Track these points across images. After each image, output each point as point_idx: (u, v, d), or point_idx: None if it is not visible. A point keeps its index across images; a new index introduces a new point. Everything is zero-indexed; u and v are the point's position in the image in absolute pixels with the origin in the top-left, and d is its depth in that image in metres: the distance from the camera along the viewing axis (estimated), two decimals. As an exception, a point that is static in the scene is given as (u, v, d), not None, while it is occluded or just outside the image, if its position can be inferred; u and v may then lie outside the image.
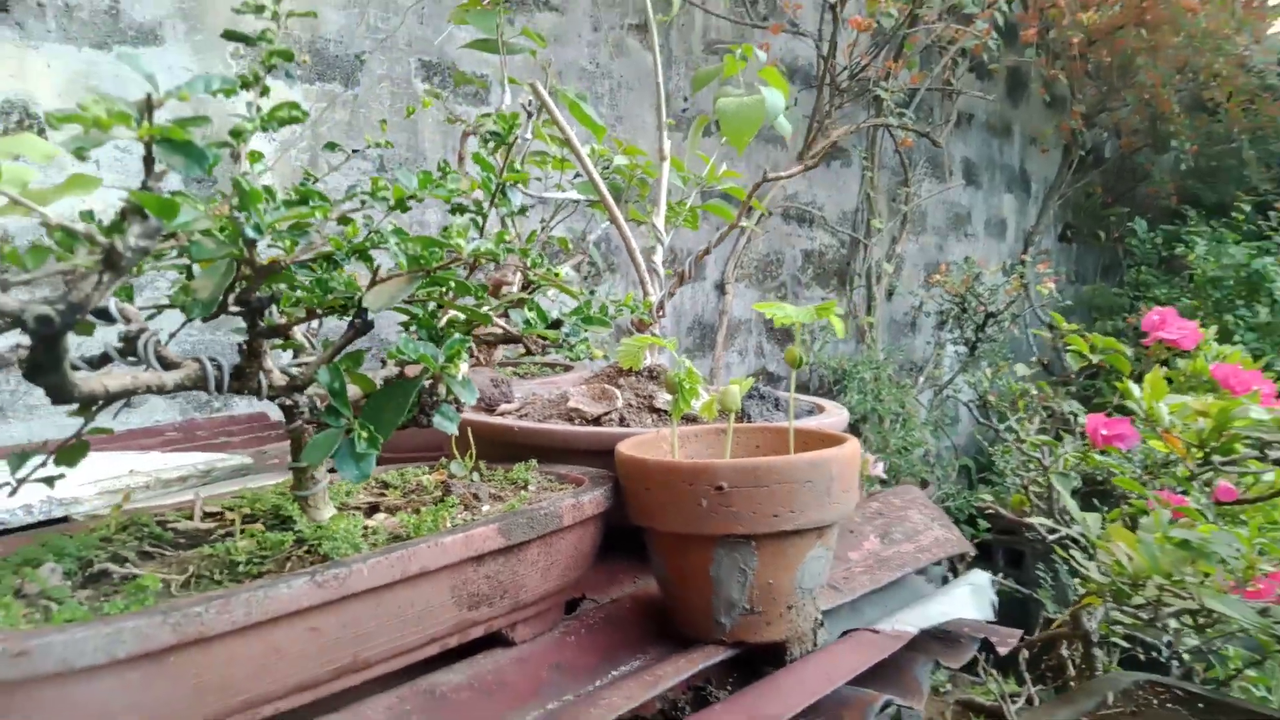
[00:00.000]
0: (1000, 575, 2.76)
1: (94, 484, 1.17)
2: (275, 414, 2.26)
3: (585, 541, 0.73)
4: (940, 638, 1.02)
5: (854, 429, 3.41)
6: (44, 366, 0.48)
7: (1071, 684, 1.75)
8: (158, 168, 0.49)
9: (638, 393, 0.97)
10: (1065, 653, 1.90)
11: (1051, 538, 1.61)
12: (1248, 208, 4.33)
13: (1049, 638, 1.78)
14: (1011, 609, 2.93)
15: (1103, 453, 1.55)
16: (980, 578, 1.00)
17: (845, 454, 0.71)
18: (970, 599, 0.94)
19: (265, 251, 0.57)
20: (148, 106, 0.46)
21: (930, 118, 4.38)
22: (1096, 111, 4.84)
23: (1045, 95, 4.80)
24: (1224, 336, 3.68)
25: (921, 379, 3.68)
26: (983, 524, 3.54)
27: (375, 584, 0.57)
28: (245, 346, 0.59)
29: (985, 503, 1.72)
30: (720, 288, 3.66)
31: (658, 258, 1.04)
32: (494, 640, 0.70)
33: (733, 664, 0.82)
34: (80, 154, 0.43)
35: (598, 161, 1.42)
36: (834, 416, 0.93)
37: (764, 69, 1.28)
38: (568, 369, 1.45)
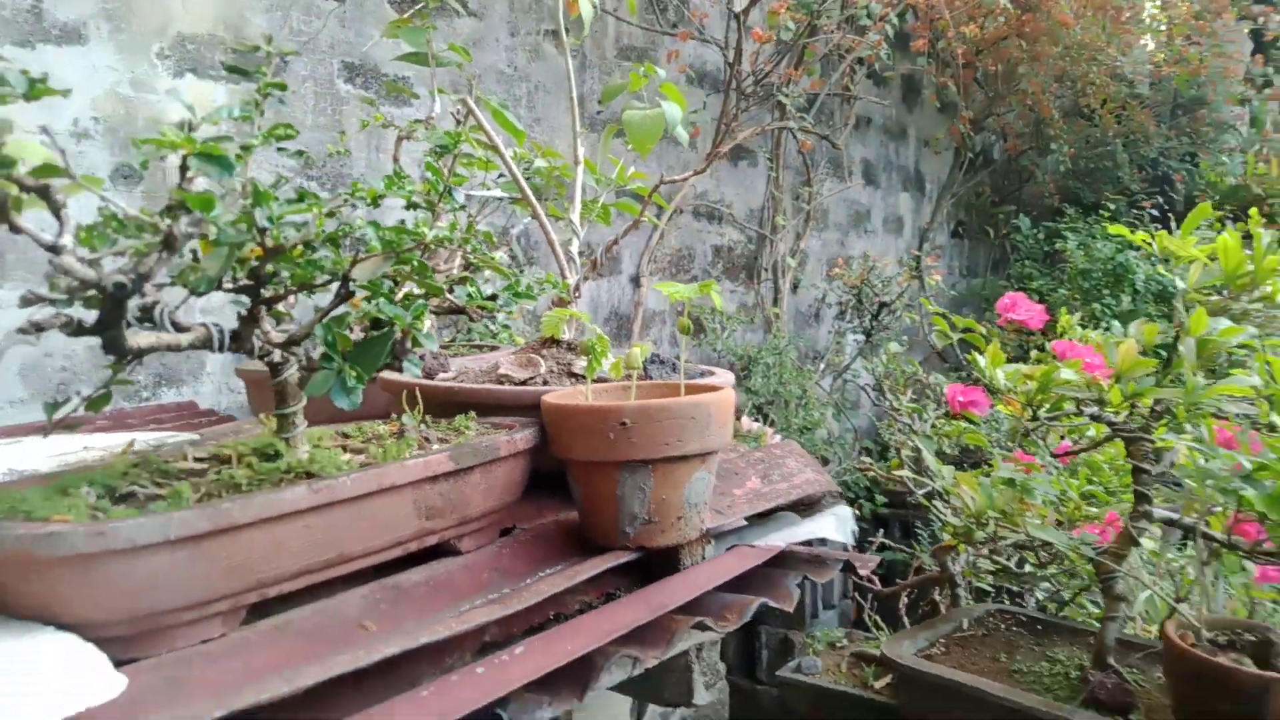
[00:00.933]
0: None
1: (54, 458, 1.29)
2: (204, 402, 2.36)
3: (517, 471, 0.92)
4: (810, 560, 1.25)
5: (760, 412, 3.68)
6: (109, 324, 0.64)
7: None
8: (190, 174, 0.66)
9: (559, 361, 1.16)
10: (937, 597, 2.18)
11: (920, 492, 1.87)
12: (1112, 206, 4.78)
13: (920, 582, 2.05)
14: (896, 570, 3.24)
15: (963, 419, 1.82)
16: (843, 511, 1.22)
17: (721, 397, 0.92)
18: (833, 525, 1.17)
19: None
20: (189, 128, 0.63)
21: (831, 121, 4.69)
22: (984, 116, 5.25)
23: (937, 101, 5.18)
24: (1093, 323, 4.09)
25: (823, 365, 3.97)
26: (880, 499, 3.85)
27: (355, 494, 0.75)
28: (247, 313, 0.76)
29: (865, 463, 1.97)
30: (635, 281, 3.87)
31: (574, 247, 1.24)
32: (445, 550, 0.89)
33: (638, 573, 1.02)
34: (144, 165, 0.60)
35: (519, 163, 1.60)
36: (720, 378, 1.14)
37: (664, 85, 1.49)
38: (494, 349, 1.63)
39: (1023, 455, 1.82)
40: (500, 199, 1.57)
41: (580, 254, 1.42)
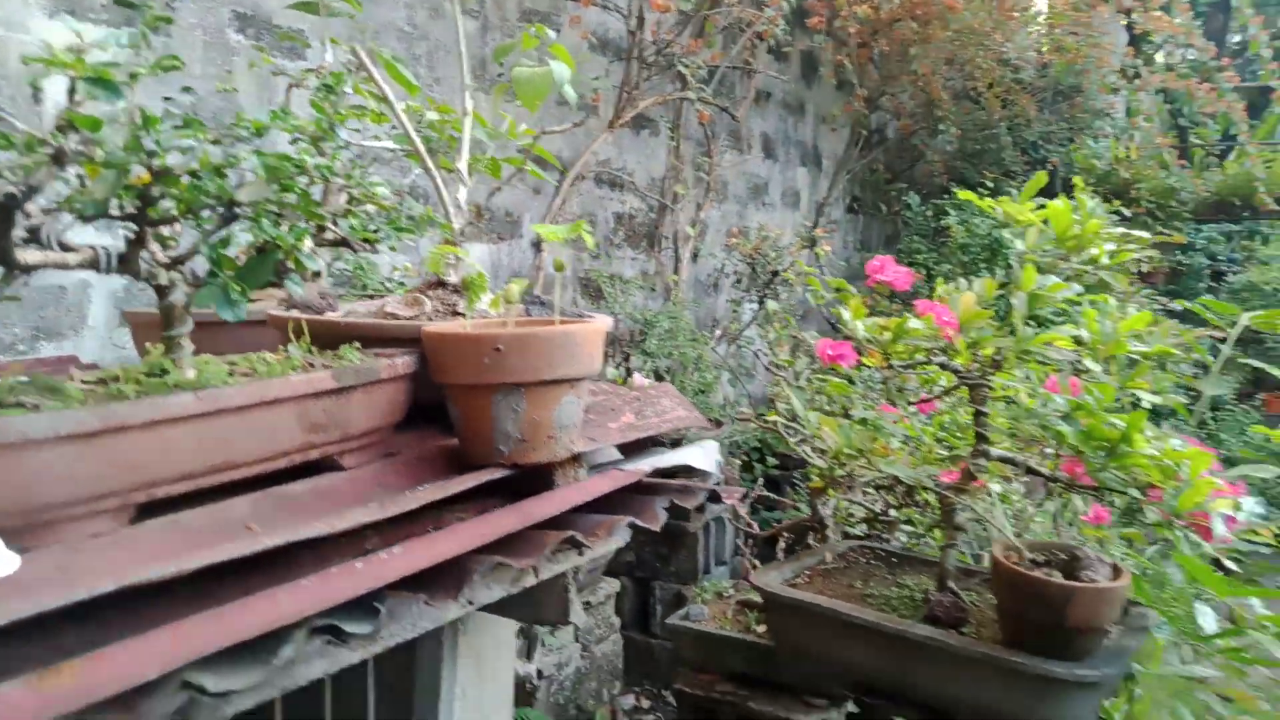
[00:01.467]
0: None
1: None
2: (87, 357, 2.32)
3: (398, 394, 1.00)
4: (679, 489, 1.37)
5: (658, 375, 3.82)
6: (-2, 234, 0.69)
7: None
8: (77, 97, 0.71)
9: (443, 302, 1.24)
10: (812, 542, 2.35)
11: (793, 440, 2.02)
12: (991, 185, 5.09)
13: (793, 526, 2.22)
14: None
15: (833, 371, 1.97)
16: (710, 444, 1.34)
17: (589, 328, 1.01)
18: (699, 454, 1.28)
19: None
20: (79, 53, 0.68)
21: (731, 94, 4.82)
22: (878, 95, 5.49)
23: (834, 79, 5.38)
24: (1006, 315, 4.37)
25: (719, 332, 4.13)
26: (770, 461, 4.05)
27: (241, 403, 0.82)
28: (134, 236, 0.81)
29: (744, 413, 2.11)
30: (536, 246, 3.93)
31: (461, 195, 1.31)
32: (329, 466, 0.96)
33: (514, 494, 1.11)
34: (37, 84, 0.65)
35: (412, 117, 1.65)
36: (596, 317, 1.24)
37: (554, 45, 1.56)
38: (385, 298, 1.68)
39: (887, 408, 1.99)
40: (392, 150, 1.62)
41: (472, 207, 1.49)
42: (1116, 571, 1.38)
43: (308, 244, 0.83)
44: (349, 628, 0.83)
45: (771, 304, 2.44)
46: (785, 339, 2.18)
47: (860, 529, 2.24)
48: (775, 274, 3.59)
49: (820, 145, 5.78)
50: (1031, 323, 1.52)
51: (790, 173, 5.51)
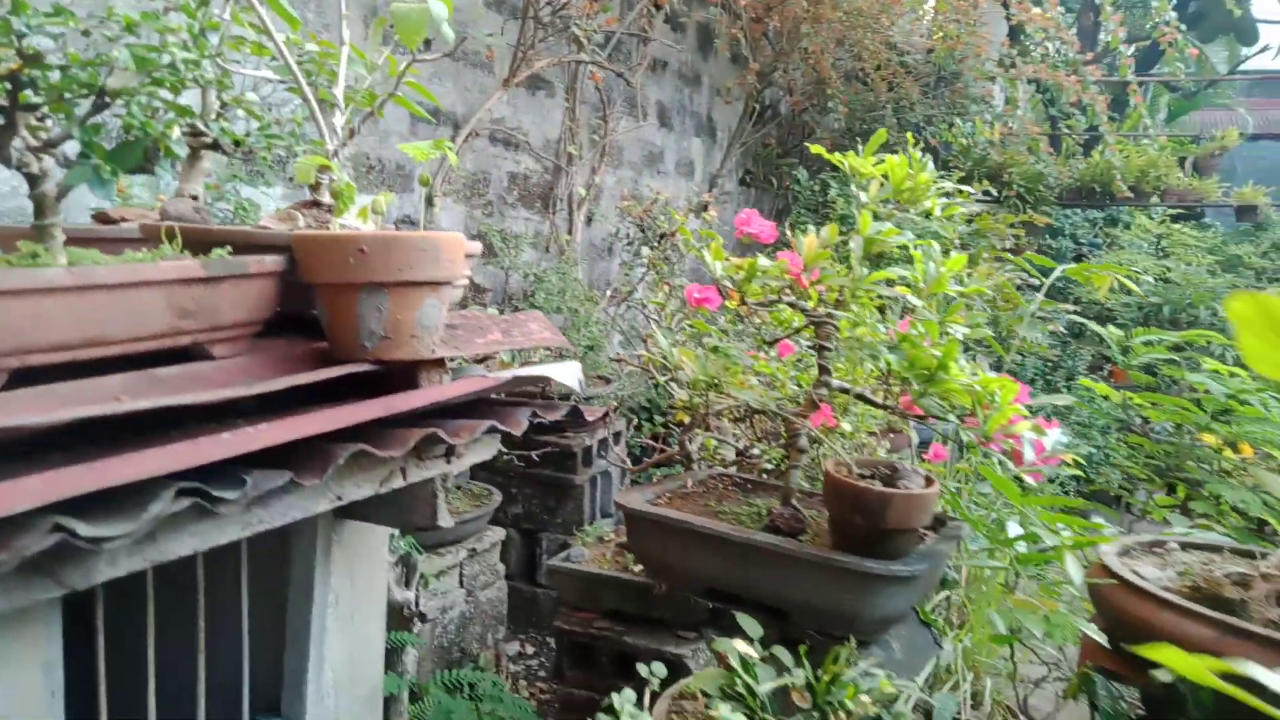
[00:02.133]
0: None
1: None
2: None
3: (267, 290, 1.07)
4: (543, 403, 1.48)
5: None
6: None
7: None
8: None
9: (317, 219, 1.31)
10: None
11: (663, 378, 2.17)
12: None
13: (663, 459, 2.37)
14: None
15: (699, 314, 2.12)
16: (573, 364, 1.46)
17: (450, 237, 1.11)
18: (562, 370, 1.40)
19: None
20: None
21: (627, 60, 4.92)
22: (771, 71, 5.68)
23: (729, 52, 5.54)
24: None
25: (609, 292, 4.25)
26: (659, 419, 4.22)
27: (112, 281, 0.89)
28: (5, 122, 0.87)
29: (620, 355, 2.24)
30: (429, 201, 3.95)
31: (336, 120, 1.38)
32: (199, 355, 1.03)
33: (380, 393, 1.20)
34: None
35: (292, 49, 1.70)
36: (468, 241, 1.34)
37: (432, -17, 1.63)
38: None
39: (750, 351, 2.16)
40: (270, 80, 1.66)
41: (361, 166, 1.56)
42: (929, 482, 1.58)
43: (176, 132, 0.90)
44: (216, 491, 0.91)
45: (645, 249, 2.57)
46: (661, 280, 2.32)
47: (732, 471, 2.41)
48: (663, 236, 3.73)
49: (715, 117, 5.95)
50: (868, 264, 1.70)
51: (685, 142, 5.66)
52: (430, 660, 3.01)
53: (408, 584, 2.18)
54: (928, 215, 1.78)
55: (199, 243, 1.19)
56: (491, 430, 1.29)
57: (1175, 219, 6.57)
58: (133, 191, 2.13)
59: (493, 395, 1.51)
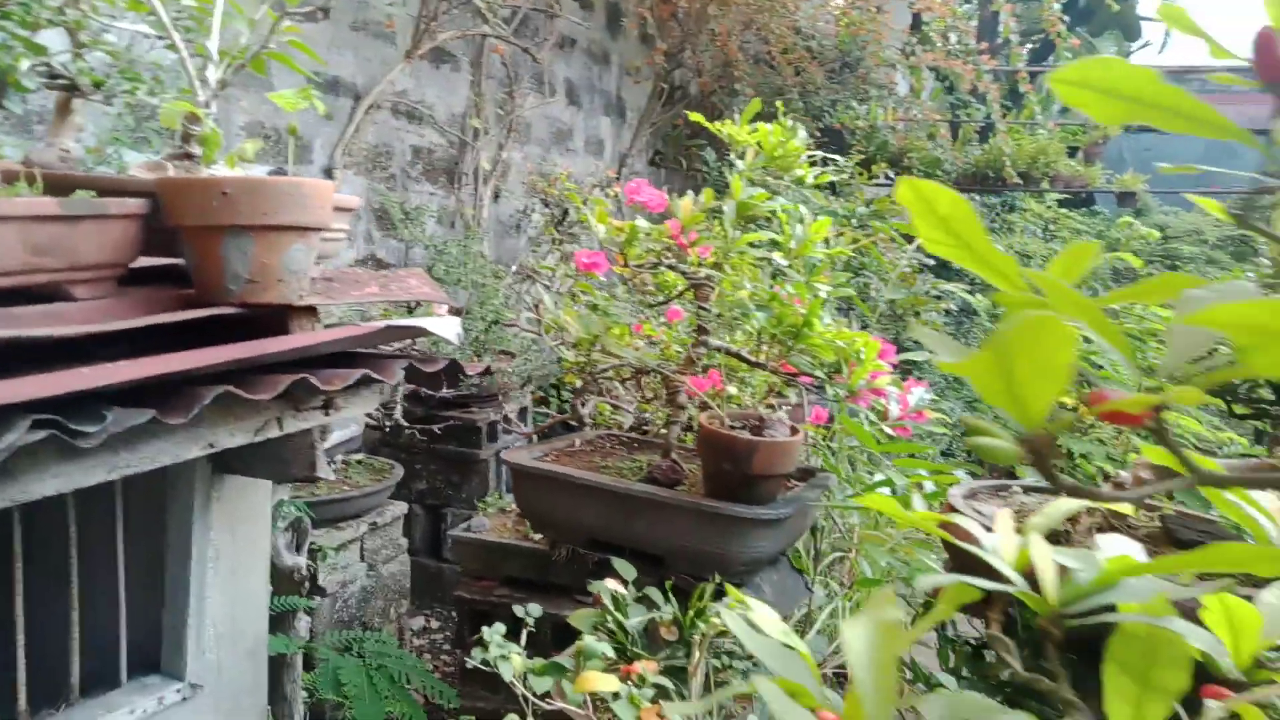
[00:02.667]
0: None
1: None
2: None
3: (130, 232, 1.09)
4: (422, 359, 1.53)
5: (455, 312, 3.94)
6: None
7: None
8: None
9: (187, 170, 1.32)
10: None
11: (553, 341, 2.23)
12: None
13: (556, 421, 2.44)
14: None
15: (587, 278, 2.19)
16: (451, 317, 1.51)
17: (318, 183, 1.15)
18: (438, 323, 1.45)
19: None
20: None
21: (536, 36, 4.94)
22: (679, 51, 5.77)
23: (637, 31, 5.61)
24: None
25: (514, 267, 4.28)
26: (565, 395, 4.28)
27: (-38, 215, 0.90)
28: None
29: (510, 319, 2.30)
30: (328, 173, 3.91)
31: (209, 72, 1.39)
32: (60, 296, 1.05)
33: (249, 336, 1.23)
34: None
35: (169, 5, 1.69)
36: (353, 198, 1.37)
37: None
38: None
39: (638, 328, 2.24)
40: (149, 36, 1.65)
41: (261, 135, 1.56)
42: (794, 431, 1.68)
43: (25, 64, 0.91)
44: (75, 424, 0.93)
45: (536, 215, 2.63)
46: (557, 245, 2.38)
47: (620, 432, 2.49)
48: (566, 212, 3.78)
49: (625, 96, 6.01)
50: (743, 227, 1.79)
51: (594, 121, 5.71)
52: (332, 635, 3.02)
53: (299, 549, 2.20)
54: (800, 182, 1.88)
55: (63, 188, 1.20)
56: (366, 379, 1.33)
57: (1065, 204, 6.93)
58: (4, 152, 2.07)
59: (373, 349, 1.55)
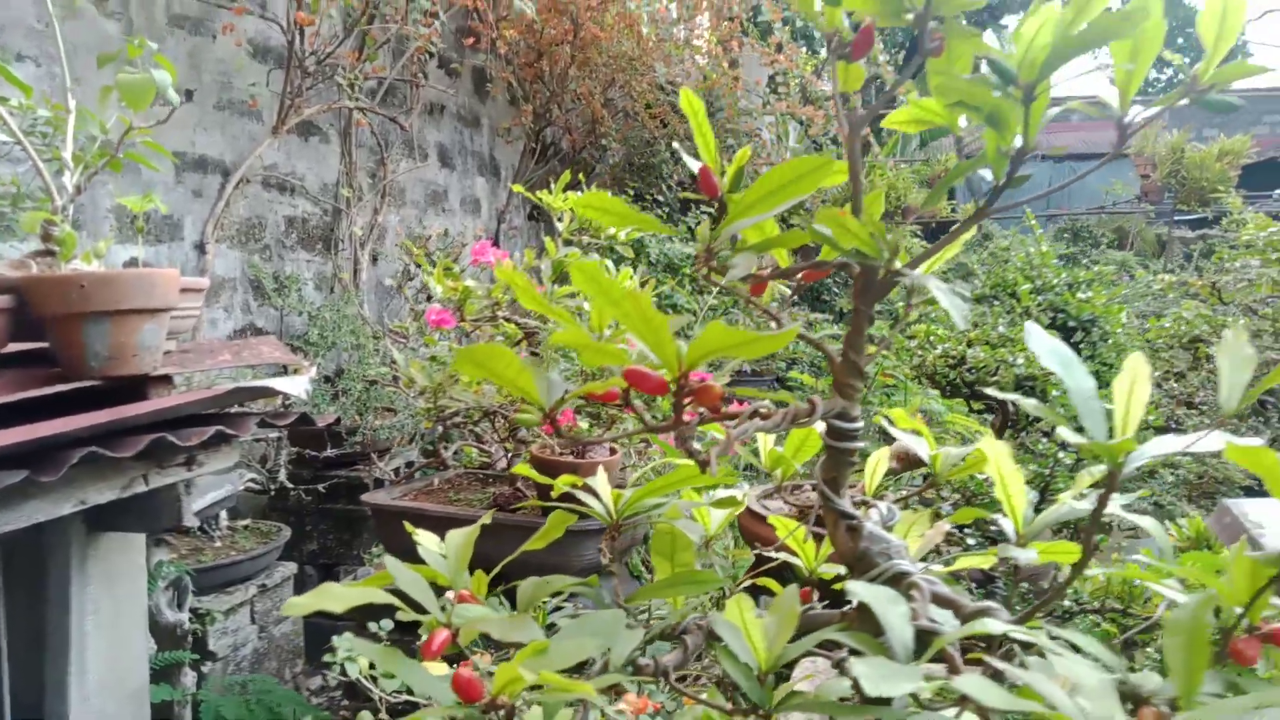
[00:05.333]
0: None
1: None
2: None
3: (0, 324, 1.31)
4: (277, 415, 1.76)
5: (326, 379, 4.14)
6: None
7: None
8: None
9: (49, 266, 1.54)
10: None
11: (412, 393, 2.48)
12: (660, 197, 5.94)
13: (421, 466, 2.67)
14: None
15: (436, 331, 2.46)
16: (301, 378, 1.75)
17: (164, 272, 1.39)
18: (287, 382, 1.69)
19: None
20: None
21: (403, 104, 5.22)
22: (546, 111, 6.14)
23: (505, 94, 5.95)
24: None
25: (391, 326, 4.50)
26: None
27: None
28: None
29: (371, 375, 2.54)
30: (200, 248, 4.08)
31: (66, 179, 1.62)
32: (-63, 380, 1.26)
33: (109, 400, 1.45)
34: None
35: (25, 114, 1.90)
36: (198, 281, 1.61)
37: (157, 55, 1.90)
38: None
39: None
40: (4, 142, 1.86)
41: (126, 216, 1.78)
42: (613, 452, 1.98)
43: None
44: (-44, 485, 1.15)
45: (390, 281, 2.87)
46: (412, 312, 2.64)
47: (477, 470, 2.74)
48: (447, 269, 4.04)
49: (498, 156, 6.33)
50: (559, 282, 2.09)
51: (469, 181, 6.00)
52: (218, 680, 3.13)
53: (180, 606, 2.36)
54: (613, 239, 2.20)
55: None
56: (220, 436, 1.56)
57: (920, 234, 7.55)
58: None
59: (234, 409, 1.78)
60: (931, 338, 2.43)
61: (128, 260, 3.36)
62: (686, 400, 0.60)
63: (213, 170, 4.13)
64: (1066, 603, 1.25)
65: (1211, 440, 0.56)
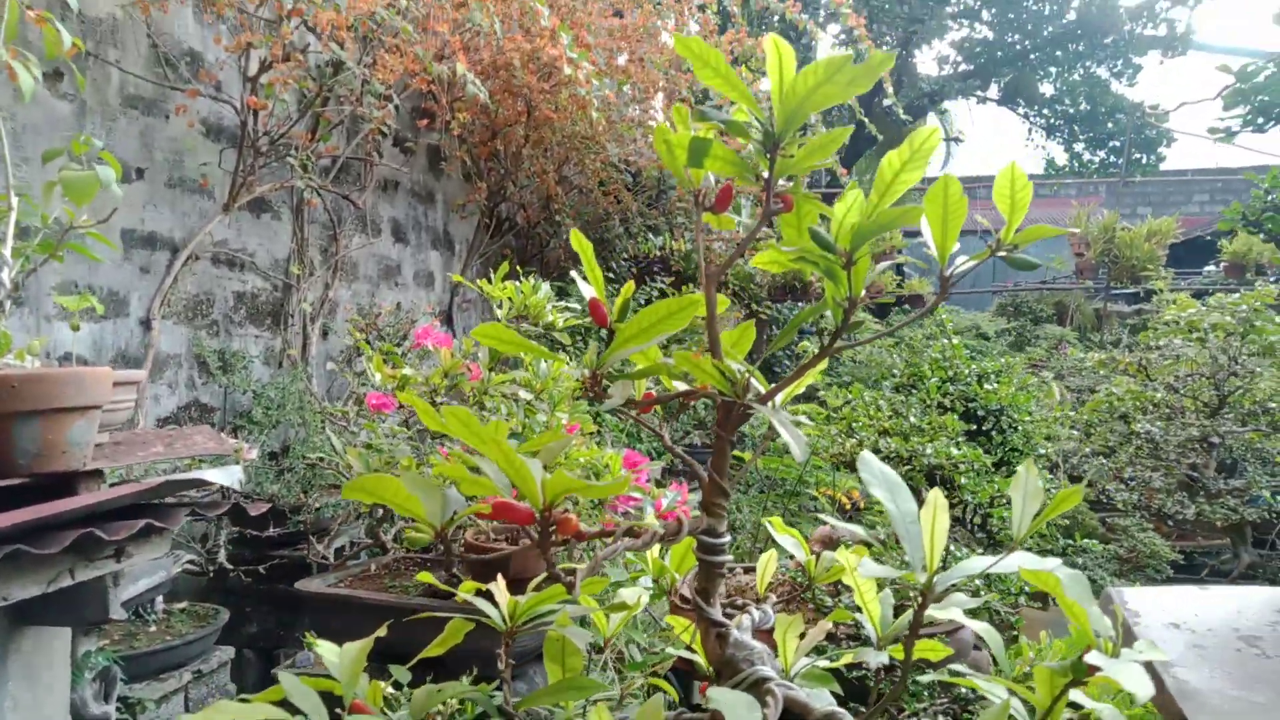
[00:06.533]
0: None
1: None
2: None
3: (-72, 423, 1.34)
4: (206, 505, 1.79)
5: (271, 455, 4.13)
6: None
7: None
8: None
9: (-15, 360, 1.58)
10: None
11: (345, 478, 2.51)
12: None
13: (360, 549, 2.68)
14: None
15: (377, 417, 2.51)
16: (234, 468, 1.79)
17: (95, 371, 1.44)
18: (218, 473, 1.72)
19: None
20: None
21: (357, 181, 5.33)
22: (500, 189, 6.29)
23: (460, 172, 6.10)
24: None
25: (340, 404, 4.52)
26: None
27: None
28: None
29: (308, 458, 2.57)
30: (146, 324, 4.09)
31: (4, 274, 1.66)
32: None
33: (37, 496, 1.48)
34: None
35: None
36: (130, 374, 1.65)
37: (103, 152, 1.97)
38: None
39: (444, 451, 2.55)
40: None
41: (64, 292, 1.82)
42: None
43: None
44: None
45: (332, 365, 2.92)
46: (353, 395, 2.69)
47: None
48: (387, 354, 4.10)
49: (452, 230, 6.45)
50: (499, 367, 2.16)
51: (423, 255, 6.09)
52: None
53: (107, 698, 2.32)
54: (550, 326, 2.28)
55: None
56: (148, 528, 1.59)
57: (866, 310, 7.77)
58: None
59: (163, 500, 1.80)
60: (853, 425, 2.54)
61: (62, 356, 3.37)
62: (551, 530, 0.67)
63: (161, 247, 4.17)
64: (923, 705, 1.32)
65: (1010, 561, 0.64)
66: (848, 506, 2.80)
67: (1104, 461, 3.73)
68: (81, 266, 3.73)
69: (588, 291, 0.85)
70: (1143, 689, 0.54)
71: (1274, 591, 1.29)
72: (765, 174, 0.72)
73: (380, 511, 2.46)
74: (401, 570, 2.31)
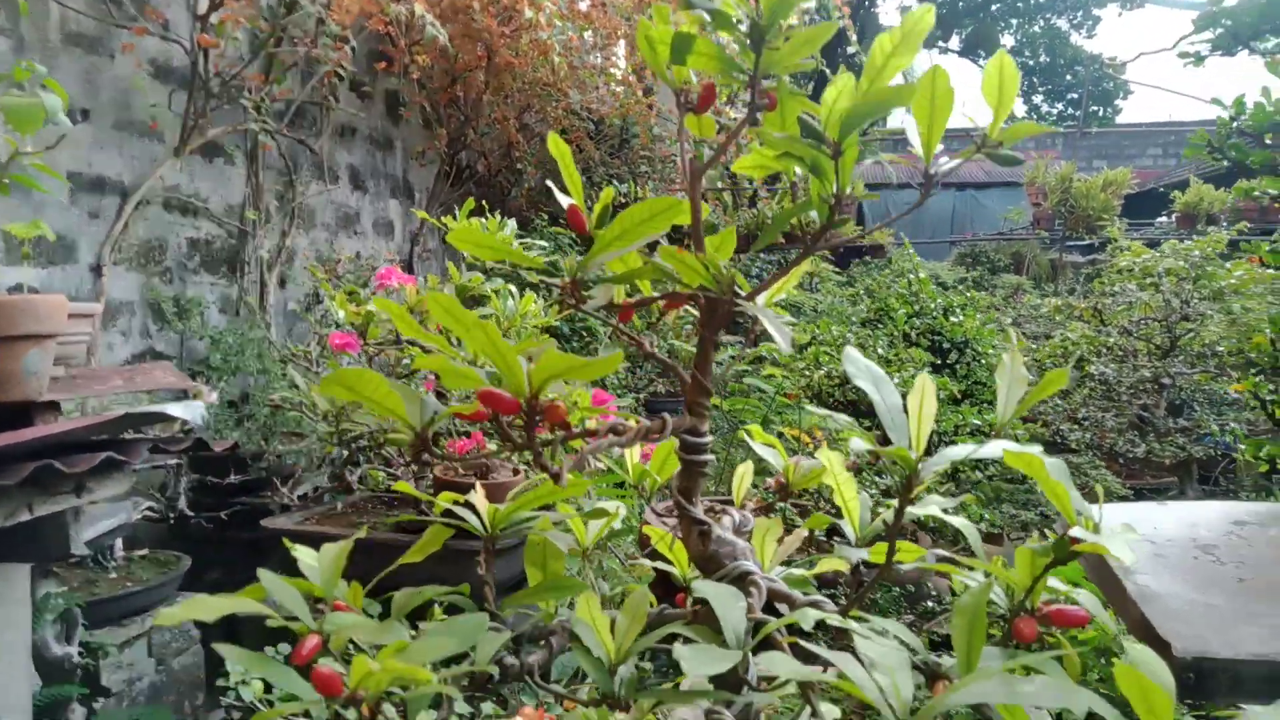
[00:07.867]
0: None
1: None
2: None
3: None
4: (170, 441, 1.75)
5: (231, 403, 4.06)
6: None
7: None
8: None
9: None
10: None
11: (311, 415, 2.48)
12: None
13: (328, 490, 2.66)
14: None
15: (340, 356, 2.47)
16: (195, 403, 1.75)
17: (50, 299, 1.39)
18: (178, 408, 1.69)
19: None
20: None
21: (313, 127, 5.18)
22: (460, 136, 6.17)
23: (419, 118, 5.96)
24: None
25: (300, 350, 4.45)
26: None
27: None
28: None
29: (273, 399, 2.53)
30: (96, 270, 3.97)
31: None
32: None
33: (-4, 433, 1.44)
34: None
35: (-92, 134, 1.86)
36: (85, 306, 1.60)
37: (48, 79, 1.88)
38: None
39: (430, 384, 2.52)
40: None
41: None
42: (516, 473, 2.02)
43: None
44: None
45: (294, 306, 2.87)
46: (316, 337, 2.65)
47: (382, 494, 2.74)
48: (350, 294, 4.02)
49: (411, 179, 6.32)
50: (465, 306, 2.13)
51: (382, 204, 5.98)
52: (111, 715, 3.03)
53: (69, 640, 2.30)
54: (517, 265, 2.25)
55: None
56: (109, 462, 1.55)
57: (826, 259, 7.80)
58: None
59: (127, 435, 1.76)
60: (820, 358, 2.55)
61: (12, 286, 3.26)
62: (537, 418, 0.66)
63: (110, 191, 4.03)
64: (930, 603, 1.35)
65: (993, 447, 0.64)
66: (810, 445, 2.83)
67: (1059, 402, 3.82)
68: (25, 210, 3.60)
69: (566, 201, 0.83)
70: (1127, 555, 0.55)
71: (1230, 505, 1.34)
72: (750, 70, 0.70)
73: (345, 454, 2.44)
74: (368, 509, 2.30)
